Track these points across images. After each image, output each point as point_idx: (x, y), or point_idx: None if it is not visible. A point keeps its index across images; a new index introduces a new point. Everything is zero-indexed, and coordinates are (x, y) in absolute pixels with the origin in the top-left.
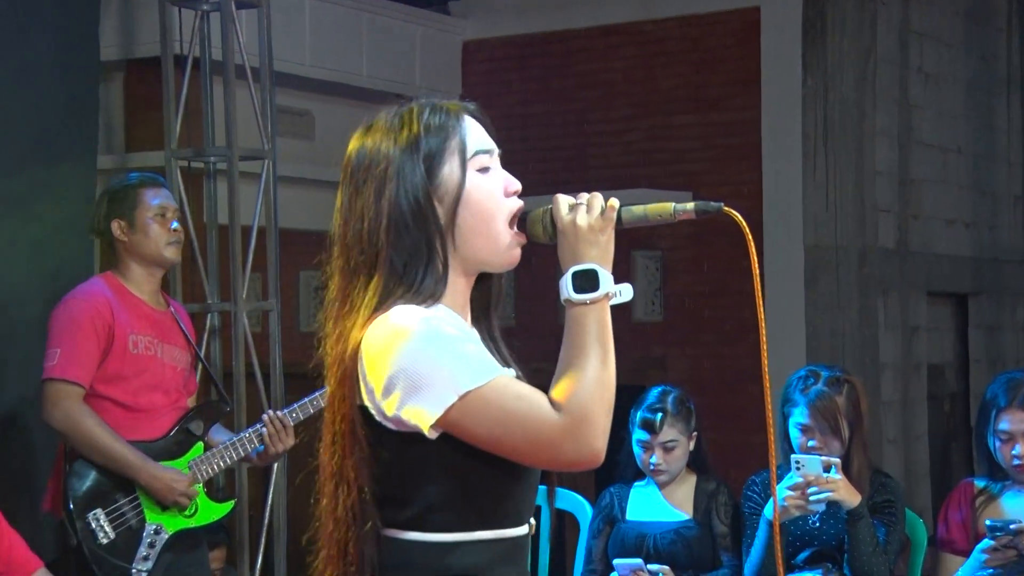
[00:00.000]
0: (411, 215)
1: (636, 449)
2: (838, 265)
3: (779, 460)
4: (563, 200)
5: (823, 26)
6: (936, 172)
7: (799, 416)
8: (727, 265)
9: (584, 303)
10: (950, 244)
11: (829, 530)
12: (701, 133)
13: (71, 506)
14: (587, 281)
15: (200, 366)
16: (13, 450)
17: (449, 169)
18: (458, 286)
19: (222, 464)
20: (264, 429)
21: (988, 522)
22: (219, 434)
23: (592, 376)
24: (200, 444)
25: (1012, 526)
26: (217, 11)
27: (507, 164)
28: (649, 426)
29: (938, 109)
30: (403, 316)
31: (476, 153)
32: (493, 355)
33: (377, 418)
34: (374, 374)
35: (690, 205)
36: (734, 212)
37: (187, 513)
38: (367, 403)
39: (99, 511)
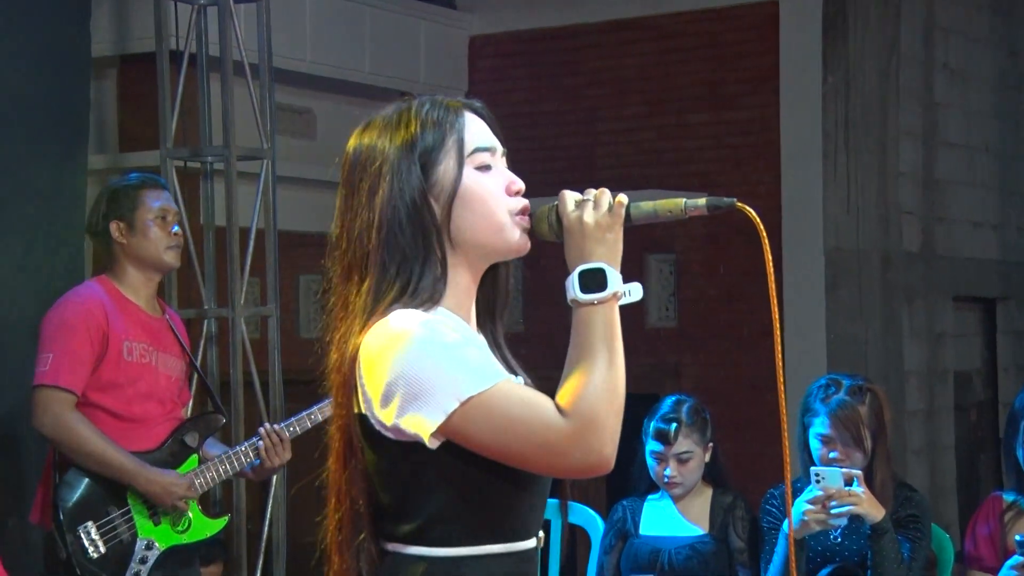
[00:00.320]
0: (406, 214)
1: (649, 461)
2: (860, 270)
3: (798, 473)
4: (569, 196)
5: (844, 21)
6: (962, 173)
7: (820, 427)
8: (744, 268)
9: (591, 303)
10: (977, 247)
11: (851, 546)
12: (716, 132)
13: (61, 518)
14: (594, 281)
15: (196, 376)
16: (2, 459)
17: (445, 167)
18: (460, 286)
19: (217, 478)
20: (260, 443)
21: (1018, 537)
22: (215, 447)
23: (600, 379)
24: (195, 457)
25: None
26: (214, 5)
27: (514, 163)
28: (663, 437)
29: (964, 107)
30: (401, 320)
31: (475, 150)
32: (499, 361)
33: (376, 427)
34: (372, 382)
35: (702, 201)
36: (747, 208)
37: (180, 528)
38: (365, 412)
39: (90, 524)
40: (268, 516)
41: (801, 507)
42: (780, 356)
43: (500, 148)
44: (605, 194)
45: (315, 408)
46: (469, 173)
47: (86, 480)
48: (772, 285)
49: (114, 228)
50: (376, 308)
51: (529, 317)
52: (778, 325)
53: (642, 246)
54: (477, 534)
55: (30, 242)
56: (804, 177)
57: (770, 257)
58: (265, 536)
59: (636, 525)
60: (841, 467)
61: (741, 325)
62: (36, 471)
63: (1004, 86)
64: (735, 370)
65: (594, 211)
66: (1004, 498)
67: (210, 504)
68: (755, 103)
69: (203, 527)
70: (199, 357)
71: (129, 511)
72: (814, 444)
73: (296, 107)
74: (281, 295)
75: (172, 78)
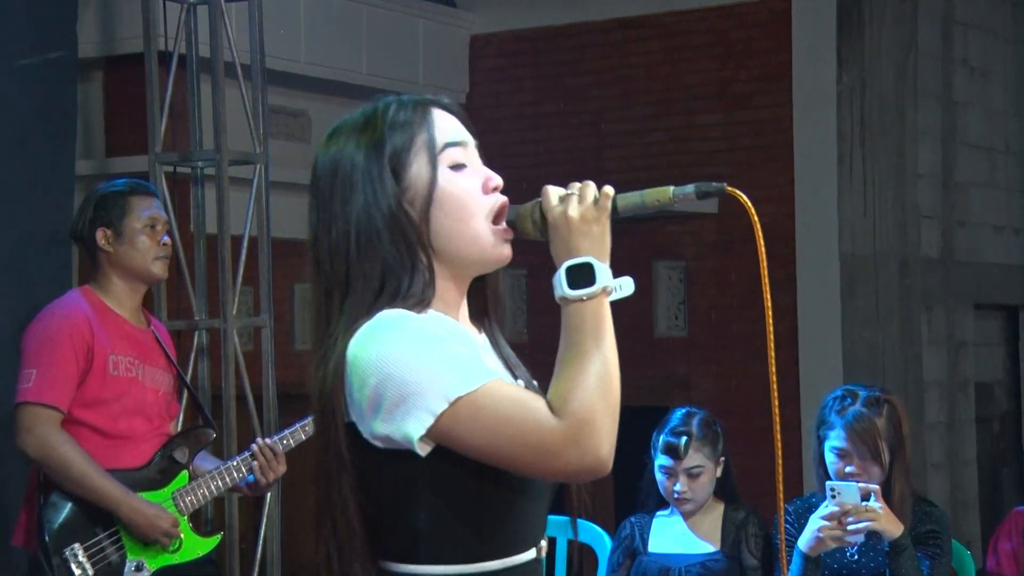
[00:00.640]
0: (383, 224)
1: (659, 476)
2: (877, 276)
3: (814, 487)
4: (553, 191)
5: (859, 17)
6: (983, 174)
7: (835, 440)
8: (756, 275)
9: (580, 299)
10: (999, 252)
11: (869, 563)
12: (727, 133)
13: (46, 540)
14: (582, 276)
15: (185, 389)
16: None
17: (417, 169)
18: (448, 290)
19: (209, 495)
20: (253, 460)
21: None
22: (206, 462)
23: (593, 377)
24: (185, 473)
25: None
26: (205, 4)
27: (517, 167)
28: (673, 451)
29: (985, 106)
30: (387, 320)
31: (446, 147)
32: (499, 361)
33: (364, 435)
34: (359, 386)
35: (690, 187)
36: (738, 192)
37: (171, 549)
38: (354, 419)
39: (76, 546)
40: (262, 534)
41: (816, 523)
42: (772, 361)
43: (471, 141)
44: (589, 187)
45: (309, 420)
46: (443, 173)
47: (71, 501)
48: (765, 277)
49: (100, 235)
50: (359, 317)
51: (533, 326)
52: (771, 321)
53: (650, 252)
54: (473, 550)
55: (15, 250)
56: (818, 180)
57: (763, 245)
58: (259, 555)
59: (645, 542)
60: (858, 482)
61: (754, 335)
62: (17, 491)
63: None
64: (747, 381)
65: (579, 205)
66: None
67: (202, 522)
68: (767, 103)
69: (194, 546)
70: (190, 370)
71: (117, 532)
72: (830, 458)
73: (290, 109)
74: (275, 305)
75: (161, 80)
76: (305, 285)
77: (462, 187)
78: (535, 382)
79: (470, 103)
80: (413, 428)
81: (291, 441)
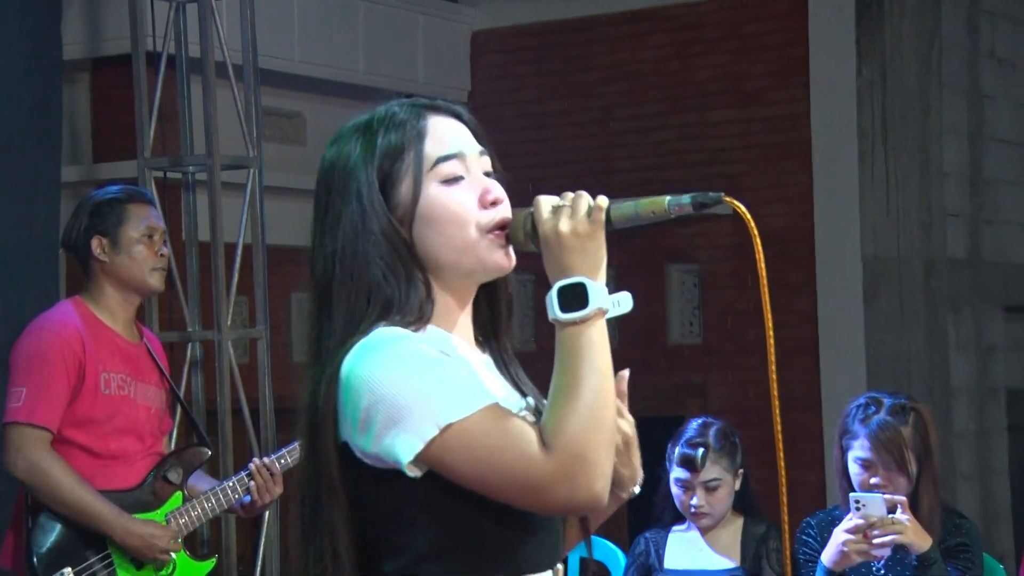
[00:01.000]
0: (370, 241)
1: (674, 489)
2: (901, 278)
3: (838, 500)
4: (545, 202)
5: (880, 7)
6: (1012, 171)
7: (859, 450)
8: (773, 279)
9: (573, 323)
10: None
11: None
12: (742, 131)
13: (35, 563)
14: (575, 297)
15: (179, 405)
16: None
17: (406, 186)
18: (448, 305)
19: (204, 516)
20: (250, 480)
21: None
22: (201, 482)
23: (586, 408)
24: (179, 494)
25: None
26: (194, 2)
27: (521, 168)
28: (689, 463)
29: (1013, 99)
30: (382, 338)
31: (437, 162)
32: (506, 382)
33: (357, 455)
34: (351, 405)
35: (686, 198)
36: (736, 202)
37: (164, 573)
38: (346, 438)
39: (67, 571)
40: (260, 556)
41: (841, 537)
42: (773, 373)
43: (475, 150)
44: (582, 198)
45: None
46: (431, 190)
47: (61, 524)
48: (764, 290)
49: (95, 244)
50: (350, 337)
51: (541, 335)
52: (771, 334)
53: (663, 256)
54: (471, 573)
55: (1, 262)
56: (838, 179)
57: (761, 256)
58: None
59: (660, 559)
60: (884, 493)
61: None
62: (4, 513)
63: None
64: (766, 389)
65: (571, 218)
66: None
67: (197, 544)
68: (783, 99)
69: (189, 570)
70: (183, 384)
71: (109, 555)
72: (853, 469)
73: (284, 111)
74: (271, 315)
75: (149, 81)
76: (302, 295)
77: (449, 203)
78: (546, 400)
79: (472, 101)
80: (402, 452)
81: (289, 460)
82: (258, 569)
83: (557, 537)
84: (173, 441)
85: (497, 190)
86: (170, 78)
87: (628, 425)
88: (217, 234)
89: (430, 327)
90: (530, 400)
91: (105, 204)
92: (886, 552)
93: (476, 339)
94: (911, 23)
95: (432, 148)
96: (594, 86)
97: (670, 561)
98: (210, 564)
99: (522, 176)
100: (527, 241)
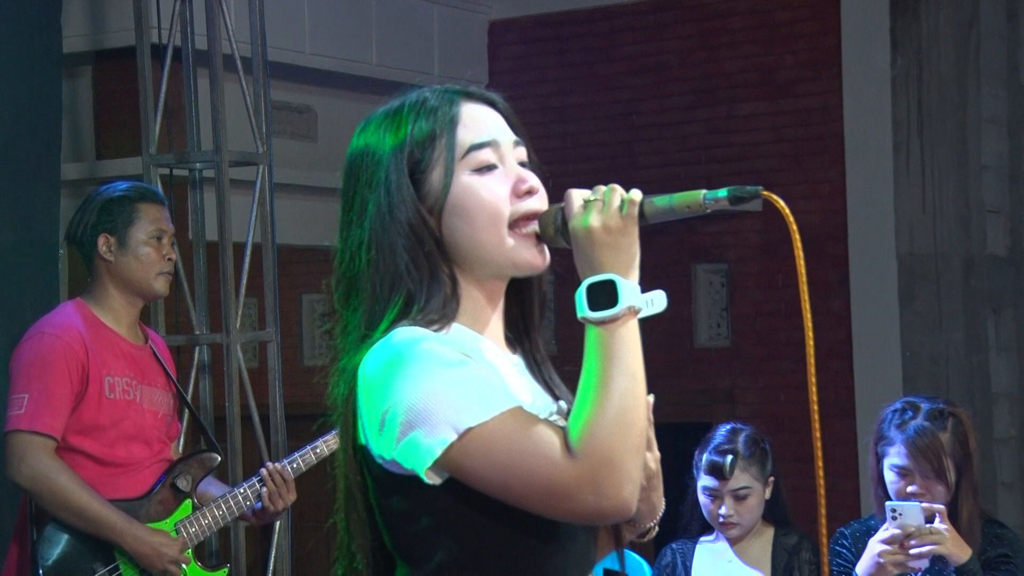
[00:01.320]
0: (398, 233)
1: (702, 498)
2: (939, 277)
3: (873, 509)
4: (576, 196)
5: None
6: None
7: (895, 457)
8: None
9: (602, 322)
10: None
11: None
12: (772, 124)
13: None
14: (606, 294)
15: (186, 410)
16: None
17: (437, 174)
18: (476, 301)
19: (214, 524)
20: (262, 486)
21: None
22: (211, 488)
23: (614, 410)
24: (189, 502)
25: None
26: None
27: (542, 163)
28: (717, 471)
29: None
30: (402, 339)
31: (470, 150)
32: (537, 384)
33: (377, 460)
34: (370, 408)
35: (722, 192)
36: (774, 197)
37: None
38: (366, 442)
39: None
40: (271, 566)
41: (876, 548)
42: (813, 377)
43: (510, 139)
44: (615, 192)
45: (320, 441)
46: (462, 179)
47: (68, 535)
48: (804, 291)
49: (102, 242)
50: (371, 332)
51: (563, 337)
52: (811, 336)
53: (689, 254)
54: None
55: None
56: (872, 173)
57: (801, 255)
58: None
59: (688, 570)
60: (921, 502)
61: (802, 344)
62: (7, 524)
63: None
64: (797, 394)
65: (602, 213)
66: None
67: (206, 554)
68: (815, 90)
69: None
70: (190, 388)
71: (117, 567)
72: (890, 476)
73: (295, 105)
74: (281, 318)
75: (154, 75)
76: (313, 296)
77: (482, 193)
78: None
79: None
80: (420, 459)
81: (302, 464)
82: None
83: (585, 547)
84: (180, 447)
85: (532, 180)
86: (176, 71)
87: (653, 460)
88: (225, 233)
89: (455, 326)
90: (562, 403)
91: (115, 202)
92: (924, 563)
93: (506, 338)
94: (948, 10)
95: (465, 135)
96: (617, 78)
97: (698, 573)
98: (221, 574)
99: (542, 172)
100: (557, 236)
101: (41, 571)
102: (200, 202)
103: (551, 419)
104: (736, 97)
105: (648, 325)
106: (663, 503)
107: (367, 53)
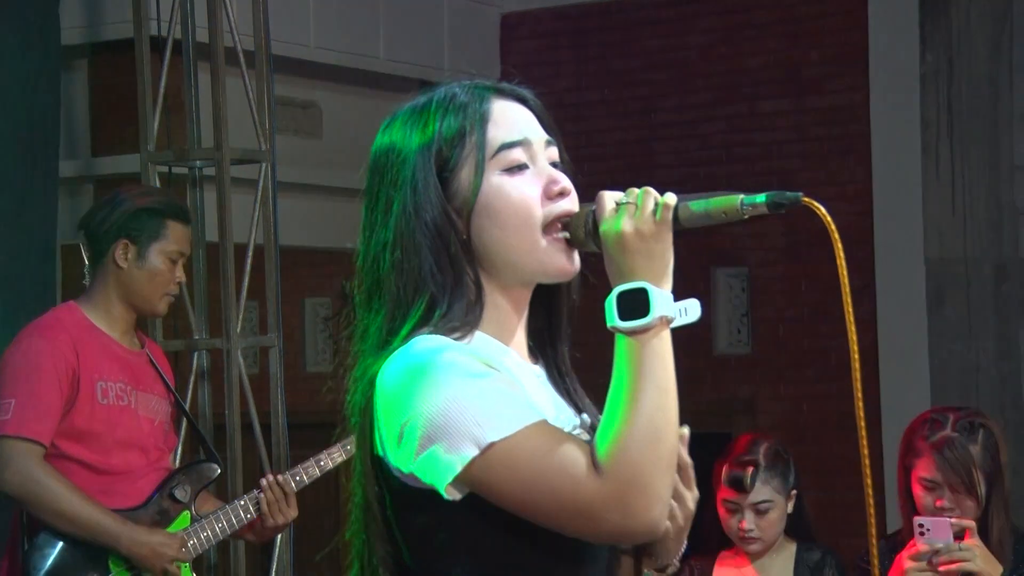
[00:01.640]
0: (423, 233)
1: (722, 512)
2: (969, 282)
3: (899, 524)
4: (609, 198)
5: None
6: None
7: (924, 470)
8: (829, 284)
9: (633, 332)
10: None
11: None
12: (796, 122)
13: None
14: (637, 303)
15: (184, 418)
16: None
17: (466, 174)
18: (501, 308)
19: (213, 538)
20: (262, 496)
21: None
22: (210, 501)
23: (644, 426)
24: (187, 513)
25: None
26: None
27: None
28: (737, 484)
29: None
30: (422, 348)
31: (501, 148)
32: (560, 397)
33: (394, 473)
34: (388, 419)
35: (761, 197)
36: (816, 204)
37: None
38: (383, 454)
39: None
40: None
41: (904, 564)
42: (859, 388)
43: (542, 138)
44: (649, 195)
45: (324, 453)
46: (492, 179)
47: (60, 543)
48: (847, 300)
49: (120, 248)
50: (392, 338)
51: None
52: (856, 348)
53: (709, 258)
54: None
55: None
56: (900, 174)
57: (843, 263)
58: None
59: None
60: (950, 517)
61: (827, 351)
62: (1, 534)
63: None
64: (820, 404)
65: (635, 217)
66: None
67: (204, 569)
68: (841, 88)
69: None
70: (189, 396)
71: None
72: (917, 490)
73: (299, 101)
74: (284, 322)
75: (153, 69)
76: (317, 299)
77: (513, 194)
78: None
79: None
80: (440, 474)
81: (304, 478)
82: None
83: (609, 567)
84: (178, 459)
85: (565, 181)
86: (176, 65)
87: (692, 500)
88: (226, 234)
89: (478, 334)
90: (585, 417)
91: (146, 212)
92: None
93: (528, 347)
94: (979, 4)
95: (495, 133)
96: (635, 74)
97: None
98: None
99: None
100: (588, 240)
101: None
102: (200, 201)
103: (575, 433)
104: (759, 94)
105: None
106: (686, 541)
107: (374, 47)
